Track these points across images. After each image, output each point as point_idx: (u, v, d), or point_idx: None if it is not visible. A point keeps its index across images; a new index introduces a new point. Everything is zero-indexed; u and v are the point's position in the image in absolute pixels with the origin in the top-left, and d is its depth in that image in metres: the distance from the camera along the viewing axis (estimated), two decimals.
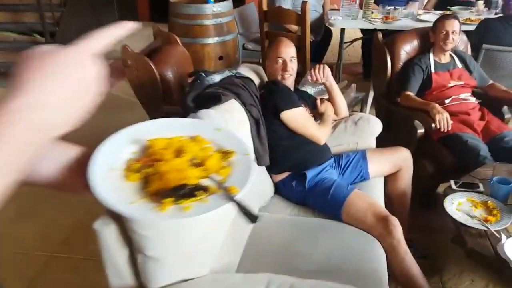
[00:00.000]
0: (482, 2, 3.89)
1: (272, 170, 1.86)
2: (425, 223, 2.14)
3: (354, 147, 2.09)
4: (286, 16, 2.94)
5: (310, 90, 2.77)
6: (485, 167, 1.94)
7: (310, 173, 1.79)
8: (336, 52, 4.33)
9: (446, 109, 2.31)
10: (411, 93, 2.38)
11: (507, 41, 2.71)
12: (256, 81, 2.02)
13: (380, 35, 2.57)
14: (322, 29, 3.88)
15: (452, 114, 2.29)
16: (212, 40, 3.44)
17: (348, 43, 4.32)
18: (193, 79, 1.87)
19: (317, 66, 2.03)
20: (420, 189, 2.28)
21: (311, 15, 3.86)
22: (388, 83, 2.53)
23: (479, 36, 2.79)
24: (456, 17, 2.41)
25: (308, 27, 2.88)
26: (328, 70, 2.04)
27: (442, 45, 2.38)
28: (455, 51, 2.49)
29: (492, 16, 3.44)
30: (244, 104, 1.73)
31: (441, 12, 3.79)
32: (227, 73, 1.86)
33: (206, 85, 1.79)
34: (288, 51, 1.94)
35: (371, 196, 1.83)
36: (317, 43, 4.03)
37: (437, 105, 2.20)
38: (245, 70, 2.03)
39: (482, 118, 2.29)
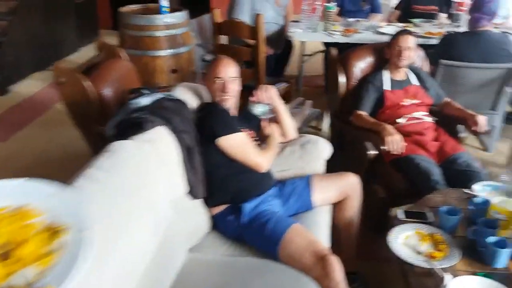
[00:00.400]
0: (446, 15, 3.87)
1: (208, 202, 1.70)
2: (376, 251, 2.01)
3: (301, 172, 1.95)
4: (239, 29, 2.80)
5: (262, 108, 2.63)
6: (437, 193, 1.84)
7: (247, 206, 1.64)
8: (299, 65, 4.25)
9: (399, 128, 2.21)
10: (363, 113, 2.27)
11: (472, 57, 2.65)
12: (195, 102, 1.87)
13: (334, 51, 2.45)
14: (282, 42, 3.76)
15: (406, 134, 2.19)
16: (164, 53, 3.27)
17: (309, 56, 4.23)
18: (126, 100, 1.70)
19: (261, 86, 1.90)
20: (372, 214, 2.18)
21: (271, 27, 3.76)
22: (342, 101, 2.42)
23: (443, 50, 2.71)
24: (410, 33, 2.32)
25: (262, 41, 2.75)
26: (273, 91, 1.91)
27: (397, 62, 2.29)
28: (411, 67, 2.41)
29: (455, 29, 3.40)
30: (174, 130, 1.57)
31: (404, 24, 3.75)
32: (158, 96, 1.69)
33: (132, 109, 1.62)
34: (228, 70, 1.80)
35: (315, 228, 1.70)
36: (277, 56, 3.92)
37: (388, 126, 2.10)
38: (182, 91, 1.88)
39: (436, 138, 2.20)
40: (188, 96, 1.85)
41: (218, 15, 2.89)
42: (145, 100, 1.66)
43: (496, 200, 1.51)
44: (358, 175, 2.21)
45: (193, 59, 3.53)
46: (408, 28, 3.55)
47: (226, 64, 1.80)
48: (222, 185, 1.70)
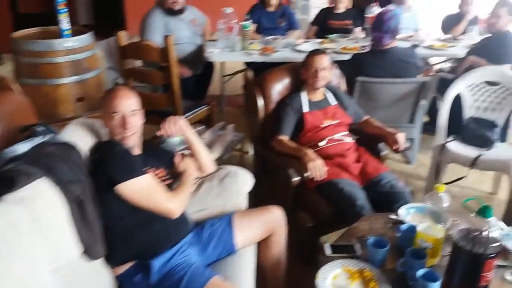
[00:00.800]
0: (360, 28, 3.94)
1: (110, 260, 1.44)
2: (306, 286, 1.88)
3: (221, 211, 1.77)
4: (147, 51, 2.58)
5: (174, 141, 2.42)
6: (363, 220, 1.74)
7: (157, 261, 1.42)
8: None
9: (320, 151, 2.13)
10: (284, 137, 2.16)
11: (382, 75, 2.67)
12: (89, 141, 1.60)
13: (249, 73, 2.32)
14: (201, 62, 3.59)
15: (327, 157, 2.11)
16: (67, 80, 2.92)
17: (230, 76, 4.10)
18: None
19: (168, 119, 1.69)
20: (300, 244, 2.05)
21: (187, 47, 3.58)
22: (262, 126, 2.28)
23: (354, 70, 2.71)
24: (324, 52, 2.26)
25: (174, 63, 2.54)
26: (182, 122, 1.71)
27: (313, 83, 2.21)
28: (328, 87, 2.34)
29: (369, 43, 3.45)
30: (59, 182, 1.30)
31: (321, 40, 3.76)
32: (37, 140, 1.41)
33: (5, 160, 1.33)
34: (126, 103, 1.56)
35: (238, 275, 1.53)
36: (198, 77, 3.73)
37: (309, 151, 2.00)
38: (73, 130, 1.60)
39: (358, 159, 2.14)
40: (80, 136, 1.58)
41: (123, 38, 2.64)
42: (22, 147, 1.38)
43: (422, 227, 1.44)
44: (285, 203, 2.10)
45: (103, 84, 3.23)
46: (324, 44, 3.59)
47: (124, 96, 1.57)
48: (125, 239, 1.45)
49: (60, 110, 2.92)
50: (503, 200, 2.44)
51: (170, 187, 1.65)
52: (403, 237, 1.54)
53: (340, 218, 1.94)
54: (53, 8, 3.00)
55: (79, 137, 1.57)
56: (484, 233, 1.25)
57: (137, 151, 1.61)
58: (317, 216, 1.98)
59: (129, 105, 1.57)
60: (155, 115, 2.85)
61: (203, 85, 3.92)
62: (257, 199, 2.53)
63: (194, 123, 3.03)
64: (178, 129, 1.70)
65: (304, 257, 2.00)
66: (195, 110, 2.97)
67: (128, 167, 1.46)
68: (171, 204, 1.51)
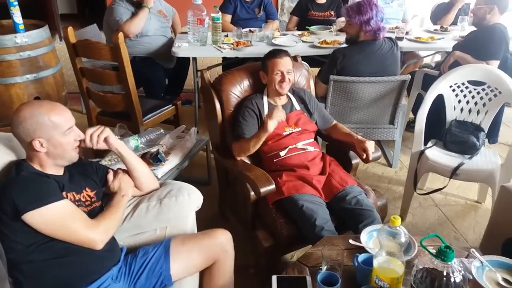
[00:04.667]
0: (343, 19, 3.69)
1: None
2: None
3: (160, 235, 1.57)
4: (96, 50, 2.34)
5: (137, 141, 2.21)
6: (320, 244, 1.53)
7: None
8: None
9: (282, 162, 1.94)
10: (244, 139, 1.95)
11: (366, 68, 2.44)
12: (6, 159, 1.40)
13: (206, 75, 2.09)
14: (173, 56, 3.36)
15: (289, 169, 1.90)
16: (21, 79, 2.71)
17: (206, 70, 3.85)
18: None
19: (88, 130, 1.46)
20: (258, 266, 1.86)
21: (157, 40, 3.34)
22: (222, 132, 2.07)
23: (336, 65, 2.48)
24: (287, 53, 2.01)
25: (127, 63, 2.31)
26: (106, 133, 1.47)
27: (278, 89, 1.98)
28: (293, 89, 2.11)
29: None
30: None
31: (301, 32, 3.52)
32: None
33: None
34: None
35: None
36: (172, 71, 3.51)
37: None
38: None
39: (323, 170, 1.93)
40: None
41: (72, 34, 2.40)
42: None
43: (378, 262, 1.24)
44: (246, 217, 1.91)
45: (63, 82, 3.01)
46: (304, 37, 3.35)
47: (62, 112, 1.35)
48: (36, 277, 1.26)
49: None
50: (490, 210, 2.23)
51: (99, 210, 1.45)
52: (359, 271, 1.34)
53: (301, 238, 1.76)
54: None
55: None
56: (445, 279, 1.05)
57: (58, 171, 1.40)
58: (276, 235, 1.78)
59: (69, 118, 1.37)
60: (114, 116, 2.68)
61: (178, 79, 3.70)
62: (220, 209, 2.36)
63: (160, 123, 2.84)
64: (100, 141, 1.46)
65: (262, 279, 1.81)
66: (158, 111, 2.76)
67: (37, 193, 1.25)
68: (92, 233, 1.31)
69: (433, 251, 1.10)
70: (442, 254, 1.04)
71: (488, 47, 2.54)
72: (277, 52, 2.00)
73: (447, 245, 1.06)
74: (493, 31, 2.55)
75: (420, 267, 1.13)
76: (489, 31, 2.56)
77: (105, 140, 1.46)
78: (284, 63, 1.96)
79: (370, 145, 1.87)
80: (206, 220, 1.82)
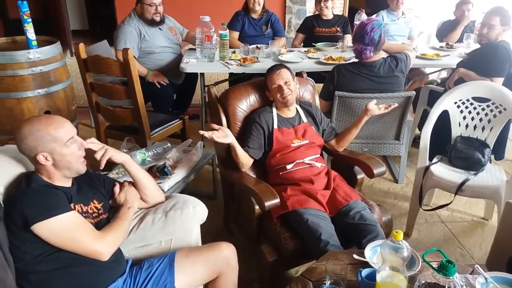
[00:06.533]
0: (350, 35, 3.74)
1: None
2: None
3: (165, 248, 1.59)
4: (106, 65, 2.40)
5: (144, 154, 2.25)
6: (324, 259, 1.53)
7: None
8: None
9: (287, 175, 1.96)
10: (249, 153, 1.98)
11: (363, 87, 2.47)
12: (15, 172, 1.44)
13: (213, 90, 2.13)
14: (182, 72, 3.43)
15: (294, 183, 1.92)
16: (32, 93, 2.78)
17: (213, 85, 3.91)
18: None
19: (95, 145, 1.50)
20: (263, 281, 1.86)
21: (166, 56, 3.42)
22: (228, 146, 2.09)
23: (334, 83, 2.51)
24: (283, 65, 2.07)
25: (137, 78, 2.36)
26: (109, 154, 1.49)
27: (282, 101, 2.02)
28: (300, 102, 2.15)
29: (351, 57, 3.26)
30: None
31: (307, 48, 3.58)
32: None
33: None
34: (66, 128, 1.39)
35: None
36: (180, 87, 3.58)
37: None
38: None
39: (328, 184, 1.94)
40: (3, 166, 1.42)
41: (83, 50, 2.47)
42: None
43: (381, 276, 1.24)
44: (251, 230, 1.92)
45: (73, 96, 3.07)
46: (310, 53, 3.40)
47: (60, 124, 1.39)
48: (43, 286, 1.28)
49: None
50: (496, 227, 2.21)
51: (106, 222, 1.47)
52: (363, 285, 1.34)
53: (306, 252, 1.76)
54: (45, 14, 2.87)
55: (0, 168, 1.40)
56: None
57: (66, 183, 1.43)
58: (280, 250, 1.78)
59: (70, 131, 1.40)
60: (122, 130, 2.73)
61: (186, 95, 3.76)
62: (225, 223, 2.37)
63: (167, 137, 2.89)
64: (99, 154, 1.50)
65: None
66: (165, 126, 2.80)
67: (46, 204, 1.28)
68: (98, 245, 1.33)
69: (436, 266, 1.11)
70: (444, 268, 1.04)
71: (492, 64, 2.55)
72: (272, 68, 2.07)
73: (448, 259, 1.06)
74: (497, 48, 2.57)
75: (423, 281, 1.13)
76: (493, 48, 2.58)
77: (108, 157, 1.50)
78: (280, 76, 2.01)
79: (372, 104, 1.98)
80: (211, 233, 1.84)
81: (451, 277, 1.04)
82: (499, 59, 2.57)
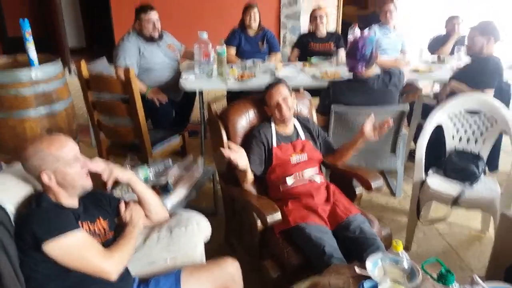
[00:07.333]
0: (343, 50, 3.82)
1: None
2: None
3: (171, 265, 1.61)
4: (108, 84, 2.46)
5: (146, 172, 2.28)
6: (327, 273, 1.56)
7: None
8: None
9: (288, 191, 2.00)
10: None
11: (358, 103, 2.53)
12: (23, 192, 1.47)
13: (213, 106, 2.19)
14: (181, 89, 3.48)
15: (295, 198, 1.96)
16: (34, 112, 2.82)
17: (212, 102, 3.96)
18: None
19: (96, 159, 1.55)
20: None
21: (165, 73, 3.48)
22: (229, 162, 2.13)
23: (330, 98, 2.58)
24: (280, 81, 2.14)
25: (138, 96, 2.42)
26: (114, 175, 1.54)
27: (279, 117, 2.08)
28: (298, 118, 2.21)
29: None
30: None
31: (302, 63, 3.65)
32: None
33: None
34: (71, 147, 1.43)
35: None
36: (179, 103, 3.63)
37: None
38: (3, 179, 1.47)
39: (328, 198, 1.98)
40: (13, 186, 1.45)
41: (85, 68, 2.52)
42: None
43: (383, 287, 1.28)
44: (253, 246, 1.95)
45: (75, 115, 3.11)
46: (305, 67, 3.48)
47: (62, 144, 1.44)
48: None
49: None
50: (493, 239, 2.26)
51: (113, 241, 1.50)
52: None
53: (309, 267, 1.79)
54: (43, 32, 2.92)
55: (9, 187, 1.44)
56: None
57: (74, 202, 1.47)
58: (284, 265, 1.81)
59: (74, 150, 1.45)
60: (123, 148, 2.77)
61: (185, 112, 3.81)
62: (227, 240, 2.40)
63: (167, 154, 2.93)
64: (106, 176, 1.55)
65: None
66: (165, 143, 2.84)
67: (56, 223, 1.32)
68: (106, 264, 1.36)
69: (435, 277, 1.15)
70: (443, 277, 1.09)
71: (482, 77, 2.64)
72: (270, 85, 2.14)
73: (447, 269, 1.11)
74: (488, 62, 2.66)
75: None
76: (484, 62, 2.67)
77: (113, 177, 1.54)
78: (278, 92, 2.07)
79: (370, 121, 2.01)
80: (213, 250, 1.86)
81: (450, 286, 1.09)
82: (489, 72, 2.65)
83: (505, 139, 3.11)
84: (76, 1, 7.33)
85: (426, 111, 2.98)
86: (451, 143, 2.41)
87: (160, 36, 3.43)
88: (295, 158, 2.06)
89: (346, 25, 4.64)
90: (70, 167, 1.40)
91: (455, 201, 2.14)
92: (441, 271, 1.11)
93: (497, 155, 3.04)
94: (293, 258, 1.79)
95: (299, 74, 3.34)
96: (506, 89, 2.90)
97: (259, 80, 3.16)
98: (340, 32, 5.42)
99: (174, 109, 3.60)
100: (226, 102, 3.97)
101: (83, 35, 7.59)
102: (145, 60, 3.35)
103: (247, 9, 3.77)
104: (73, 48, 6.85)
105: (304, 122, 2.21)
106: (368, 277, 1.49)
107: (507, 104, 2.57)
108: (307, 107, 2.34)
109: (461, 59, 3.61)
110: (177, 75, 3.48)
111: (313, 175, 2.05)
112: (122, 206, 1.63)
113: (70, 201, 1.45)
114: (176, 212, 1.76)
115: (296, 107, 2.25)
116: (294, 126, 2.17)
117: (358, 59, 2.44)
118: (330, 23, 4.80)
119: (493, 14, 4.83)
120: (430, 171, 2.38)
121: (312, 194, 1.97)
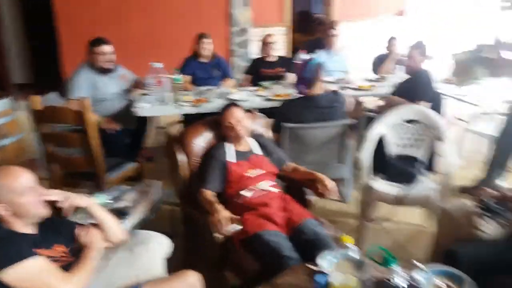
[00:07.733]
0: (293, 74, 4.04)
1: None
2: None
3: (135, 282, 1.63)
4: (63, 115, 2.47)
5: (103, 198, 2.28)
6: (286, 274, 1.66)
7: None
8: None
9: (244, 203, 2.08)
10: (207, 191, 2.10)
11: (308, 119, 2.71)
12: None
13: (174, 130, 2.28)
14: (134, 117, 3.51)
15: (251, 208, 2.05)
16: None
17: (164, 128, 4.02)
18: None
19: (59, 196, 1.58)
20: None
21: (117, 103, 3.49)
22: (189, 182, 2.21)
23: (283, 116, 2.74)
24: (235, 105, 2.30)
25: (92, 126, 2.44)
26: (73, 203, 1.59)
27: (233, 136, 2.21)
28: (253, 135, 2.34)
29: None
30: None
31: (255, 88, 3.80)
32: None
33: None
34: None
35: None
36: (132, 131, 3.64)
37: (219, 206, 1.92)
38: None
39: (283, 207, 2.09)
40: None
41: (38, 102, 2.53)
42: None
43: (335, 279, 1.38)
44: (213, 261, 2.00)
45: (25, 149, 3.06)
46: (259, 91, 3.64)
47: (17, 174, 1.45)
48: None
49: None
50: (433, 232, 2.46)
51: (73, 264, 1.51)
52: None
53: (268, 273, 1.86)
54: None
55: None
56: (391, 280, 1.22)
57: (30, 229, 1.48)
58: (244, 274, 1.88)
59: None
60: (77, 177, 2.75)
61: (139, 138, 3.82)
62: (187, 259, 2.42)
63: (123, 180, 2.92)
64: (69, 203, 1.58)
65: None
66: (121, 170, 2.85)
67: (11, 252, 1.33)
68: (67, 286, 1.37)
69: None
70: (385, 261, 1.21)
71: (416, 89, 2.94)
72: (227, 106, 2.29)
73: (389, 253, 1.23)
74: (420, 76, 2.99)
75: (370, 277, 1.28)
76: (416, 76, 3.00)
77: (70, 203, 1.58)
78: (232, 114, 2.22)
79: (333, 184, 2.07)
80: (173, 271, 1.89)
81: (390, 266, 1.20)
82: (421, 84, 2.95)
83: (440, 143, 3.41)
84: (24, 37, 7.20)
85: (370, 123, 3.21)
86: (392, 150, 2.63)
87: (114, 68, 3.47)
88: (251, 173, 2.17)
89: (296, 49, 4.90)
90: (24, 197, 1.42)
91: (400, 201, 2.33)
92: (384, 256, 1.23)
93: (434, 158, 3.31)
94: (254, 265, 1.86)
95: (252, 96, 3.49)
96: (438, 99, 3.20)
97: (213, 104, 3.27)
98: (291, 56, 5.68)
99: (127, 137, 3.62)
100: (181, 127, 4.04)
101: (30, 70, 7.42)
102: (98, 92, 3.37)
103: (200, 38, 3.92)
104: (20, 84, 6.68)
105: (259, 139, 2.34)
106: (322, 272, 1.59)
107: (439, 111, 2.84)
108: (260, 125, 2.49)
109: (401, 77, 3.94)
110: (130, 104, 3.52)
111: (269, 186, 2.15)
112: (80, 230, 1.64)
113: (27, 229, 1.46)
114: (134, 232, 1.79)
115: (250, 126, 2.38)
116: (250, 143, 2.29)
117: (302, 80, 2.65)
118: (281, 49, 5.03)
119: (425, 35, 5.29)
120: (375, 176, 2.57)
121: (267, 203, 2.07)
